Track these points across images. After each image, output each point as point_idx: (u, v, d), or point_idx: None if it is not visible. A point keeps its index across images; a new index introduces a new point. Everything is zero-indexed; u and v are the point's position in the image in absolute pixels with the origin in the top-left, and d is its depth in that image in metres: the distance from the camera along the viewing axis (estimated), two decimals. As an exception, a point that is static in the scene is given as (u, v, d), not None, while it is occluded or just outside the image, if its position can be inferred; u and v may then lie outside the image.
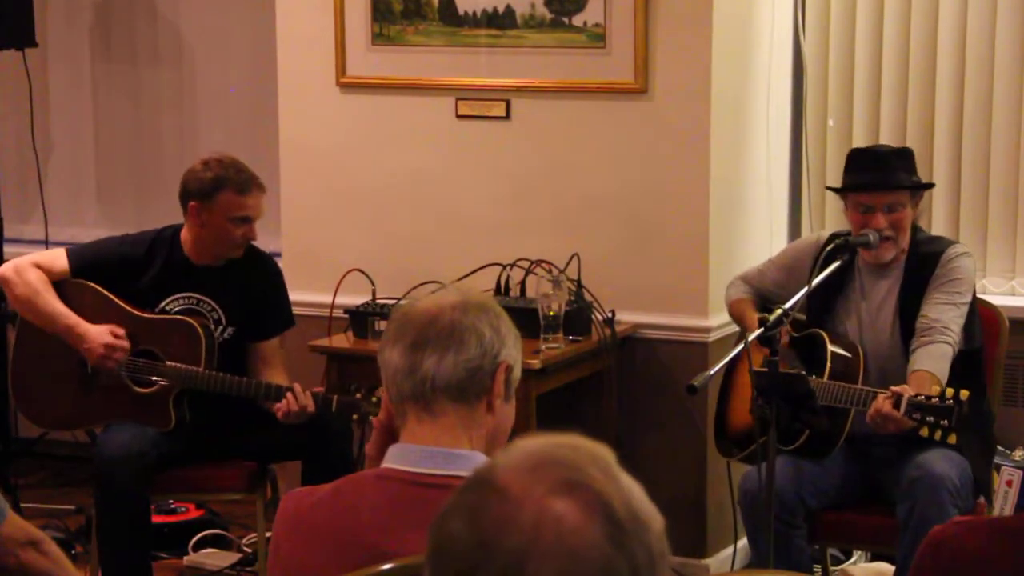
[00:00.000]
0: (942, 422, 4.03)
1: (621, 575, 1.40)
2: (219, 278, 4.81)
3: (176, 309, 4.79)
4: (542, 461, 1.44)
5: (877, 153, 4.54)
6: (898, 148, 4.64)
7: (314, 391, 4.61)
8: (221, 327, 4.81)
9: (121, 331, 4.73)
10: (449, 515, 1.44)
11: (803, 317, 4.61)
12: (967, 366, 4.42)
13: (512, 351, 2.34)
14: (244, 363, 4.85)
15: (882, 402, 4.13)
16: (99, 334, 4.71)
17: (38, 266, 4.80)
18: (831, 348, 4.44)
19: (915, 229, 4.53)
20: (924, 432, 4.06)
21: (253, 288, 4.85)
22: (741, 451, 4.62)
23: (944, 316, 4.33)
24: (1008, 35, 5.25)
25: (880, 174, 4.45)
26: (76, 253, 4.86)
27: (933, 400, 4.06)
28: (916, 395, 4.09)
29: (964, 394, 4.05)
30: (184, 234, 4.81)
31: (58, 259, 4.84)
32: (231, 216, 4.71)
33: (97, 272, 4.81)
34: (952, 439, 4.05)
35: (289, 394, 4.57)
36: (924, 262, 4.45)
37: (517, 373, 2.36)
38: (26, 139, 6.21)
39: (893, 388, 4.15)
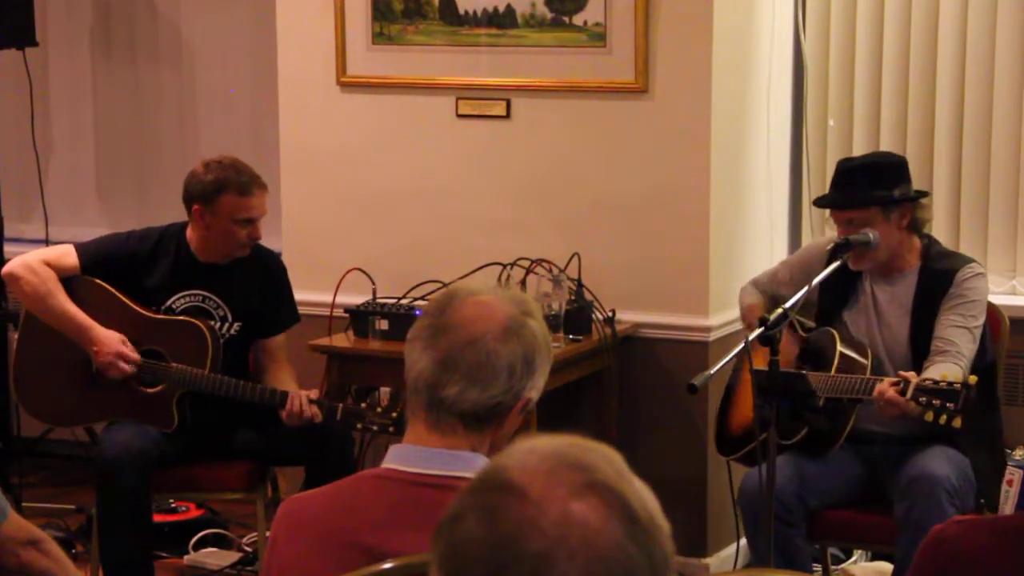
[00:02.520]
0: (948, 404, 4.02)
1: (643, 574, 1.40)
2: (225, 275, 4.81)
3: (183, 306, 4.79)
4: (558, 463, 1.42)
5: (844, 169, 4.53)
6: (870, 161, 4.56)
7: (317, 399, 4.61)
8: (227, 323, 4.82)
9: (131, 345, 4.73)
10: (463, 516, 1.41)
11: (811, 324, 4.61)
12: (980, 381, 4.42)
13: (539, 382, 2.28)
14: (248, 359, 4.87)
15: (886, 386, 4.14)
16: (113, 341, 4.71)
17: (47, 263, 4.79)
18: (840, 348, 4.43)
19: (930, 242, 4.52)
20: (929, 416, 4.05)
21: (259, 285, 4.86)
22: (739, 450, 4.61)
23: (958, 340, 4.33)
24: (1008, 35, 5.24)
25: (835, 191, 4.49)
26: (84, 249, 4.85)
27: (941, 384, 4.06)
28: (924, 380, 4.10)
29: (972, 379, 4.05)
30: (190, 232, 4.81)
31: (67, 256, 4.82)
32: (235, 218, 4.70)
33: (105, 268, 4.80)
34: (957, 423, 4.03)
35: (294, 402, 4.57)
36: (938, 279, 4.43)
37: (536, 398, 2.30)
38: (26, 138, 6.20)
39: (901, 373, 4.16)
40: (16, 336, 4.99)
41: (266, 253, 4.91)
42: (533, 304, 2.34)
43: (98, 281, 4.80)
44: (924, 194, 4.60)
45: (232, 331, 4.82)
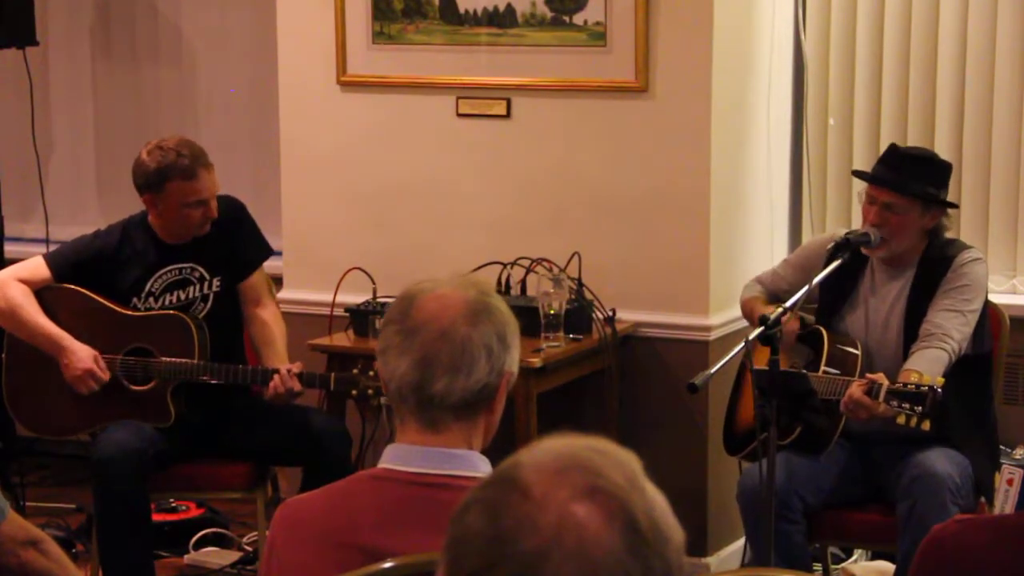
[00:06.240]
0: (916, 407, 4.05)
1: None
2: (193, 241, 4.80)
3: (162, 286, 4.79)
4: (568, 464, 1.42)
5: (900, 152, 4.52)
6: (929, 156, 4.55)
7: (301, 372, 4.61)
8: (207, 282, 4.82)
9: (103, 363, 4.72)
10: (469, 508, 1.42)
11: (811, 318, 4.61)
12: (974, 370, 4.43)
13: (515, 354, 2.30)
14: (239, 316, 4.87)
15: (855, 388, 4.17)
16: (86, 357, 4.71)
17: (20, 279, 4.78)
18: (828, 345, 4.45)
19: (934, 234, 4.52)
20: (901, 419, 4.09)
21: (225, 235, 4.84)
22: (744, 449, 4.62)
23: (947, 323, 4.33)
24: (1009, 33, 5.24)
25: (889, 171, 4.44)
26: (54, 258, 4.86)
27: (909, 387, 4.09)
28: (894, 384, 4.11)
29: (939, 381, 4.07)
30: (151, 218, 4.82)
31: (39, 268, 4.82)
32: (184, 203, 4.70)
33: (78, 272, 4.81)
34: (926, 425, 4.07)
35: (276, 376, 4.59)
36: (936, 266, 4.43)
37: (516, 372, 2.33)
38: (27, 138, 6.20)
39: (870, 376, 4.18)
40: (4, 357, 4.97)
41: (223, 202, 4.85)
42: (488, 284, 2.38)
43: (74, 287, 4.80)
44: (956, 206, 4.63)
45: (215, 288, 4.83)
